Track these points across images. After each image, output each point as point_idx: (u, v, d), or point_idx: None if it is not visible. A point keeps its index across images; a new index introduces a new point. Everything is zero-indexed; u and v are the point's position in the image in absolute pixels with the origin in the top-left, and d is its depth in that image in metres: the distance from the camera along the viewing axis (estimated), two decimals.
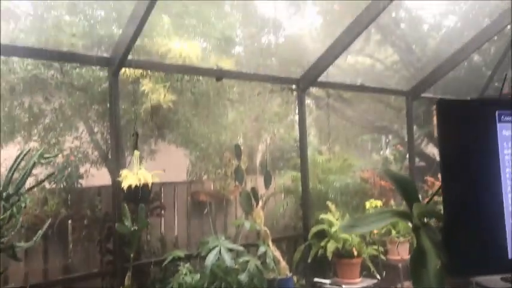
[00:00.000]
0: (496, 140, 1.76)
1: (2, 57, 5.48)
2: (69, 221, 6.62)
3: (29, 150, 4.28)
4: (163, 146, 7.97)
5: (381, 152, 13.37)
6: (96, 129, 7.18)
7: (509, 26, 8.40)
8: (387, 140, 13.03)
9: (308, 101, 11.40)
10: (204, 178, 8.43)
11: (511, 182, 1.75)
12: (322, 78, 7.48)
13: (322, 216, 7.15)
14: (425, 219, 1.92)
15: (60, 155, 6.44)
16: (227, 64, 6.78)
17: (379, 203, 7.34)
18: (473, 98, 2.25)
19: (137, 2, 5.02)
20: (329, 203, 7.38)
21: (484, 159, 1.75)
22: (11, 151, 6.39)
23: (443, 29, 11.53)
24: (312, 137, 12.52)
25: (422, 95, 8.79)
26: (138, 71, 6.22)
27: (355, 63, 13.43)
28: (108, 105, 5.58)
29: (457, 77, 10.43)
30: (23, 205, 3.97)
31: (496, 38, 9.04)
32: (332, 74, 9.27)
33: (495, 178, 1.73)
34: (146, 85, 6.29)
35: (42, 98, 6.76)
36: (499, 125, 1.77)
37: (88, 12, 6.33)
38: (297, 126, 7.90)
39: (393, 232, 7.22)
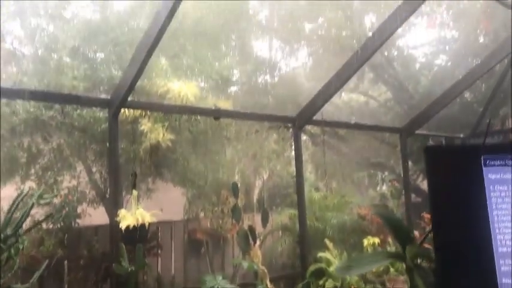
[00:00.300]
0: (482, 183, 1.85)
1: (5, 100, 5.60)
2: (66, 262, 6.56)
3: (28, 192, 4.31)
4: (161, 184, 8.01)
5: (378, 188, 13.41)
6: (94, 169, 7.23)
7: (498, 66, 8.64)
8: (383, 176, 13.09)
9: (304, 137, 11.56)
10: (201, 216, 8.43)
11: (499, 225, 1.82)
12: (317, 116, 7.63)
13: (320, 254, 7.12)
14: (418, 261, 1.97)
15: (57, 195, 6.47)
16: (225, 103, 6.94)
17: (376, 240, 7.33)
18: (459, 144, 2.36)
19: (138, 45, 5.21)
20: (327, 241, 7.36)
21: (472, 202, 1.82)
22: (8, 191, 6.42)
23: (434, 68, 11.85)
24: (309, 173, 12.58)
25: (416, 132, 8.94)
26: (138, 111, 6.35)
27: (350, 101, 13.70)
28: (108, 144, 5.66)
29: (450, 114, 10.63)
30: (20, 247, 3.98)
31: (485, 76, 9.29)
32: (327, 111, 9.44)
33: (484, 221, 1.80)
34: (145, 125, 6.41)
35: (41, 138, 6.85)
36: (484, 169, 1.86)
37: (89, 54, 6.52)
38: (293, 162, 7.99)
39: (391, 270, 7.18)
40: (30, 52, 6.53)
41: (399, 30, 7.45)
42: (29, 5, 6.82)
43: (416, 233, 7.10)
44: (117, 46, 6.37)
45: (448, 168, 1.81)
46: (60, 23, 6.45)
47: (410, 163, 10.14)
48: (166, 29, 4.84)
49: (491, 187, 1.87)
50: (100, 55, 6.70)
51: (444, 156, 1.85)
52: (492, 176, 1.87)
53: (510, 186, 1.83)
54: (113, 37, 6.39)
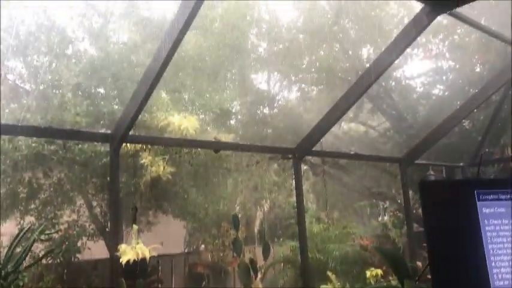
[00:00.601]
0: (477, 217, 1.87)
1: (8, 136, 5.67)
2: None
3: (29, 228, 4.31)
4: (162, 217, 7.99)
5: (379, 218, 13.32)
6: (94, 203, 7.24)
7: (494, 95, 8.75)
8: (385, 206, 13.03)
9: (305, 167, 11.58)
10: (201, 249, 8.37)
11: (495, 258, 1.83)
12: (317, 146, 7.68)
13: (323, 286, 7.04)
14: None
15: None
16: (225, 136, 7.00)
17: (379, 271, 7.25)
18: (453, 179, 2.39)
19: (140, 80, 5.30)
20: (329, 273, 7.28)
21: (467, 236, 1.85)
22: (9, 226, 6.41)
23: (432, 98, 11.99)
24: (310, 203, 12.54)
25: (416, 161, 8.96)
26: (138, 145, 6.41)
27: (349, 130, 13.80)
28: (108, 179, 5.69)
29: (449, 143, 10.69)
30: (20, 283, 3.95)
31: (483, 105, 9.39)
32: (327, 140, 9.51)
33: (479, 255, 1.82)
34: (146, 158, 6.46)
35: (42, 172, 6.89)
36: (479, 204, 1.89)
37: (91, 90, 6.63)
38: (295, 193, 7.98)
39: None
40: (33, 89, 6.65)
41: (396, 61, 7.60)
42: (32, 42, 6.99)
43: (419, 263, 7.03)
44: (118, 81, 6.50)
45: (443, 203, 1.84)
46: (63, 59, 6.60)
47: (411, 192, 10.12)
48: (168, 64, 4.93)
49: (485, 221, 1.89)
50: (101, 90, 6.83)
51: (438, 190, 1.89)
52: (486, 210, 1.90)
53: (504, 220, 1.85)
54: (114, 72, 6.53)
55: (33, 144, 6.10)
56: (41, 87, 6.54)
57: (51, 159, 6.32)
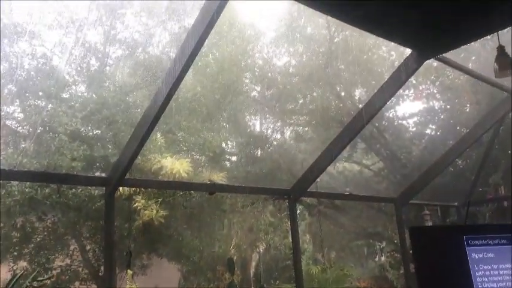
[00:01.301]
0: (467, 263, 1.90)
1: (2, 181, 5.68)
2: None
3: (21, 274, 4.25)
4: (156, 260, 7.87)
5: (376, 259, 13.16)
6: (88, 247, 7.15)
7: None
8: (381, 246, 12.91)
9: (301, 207, 11.53)
10: None
11: None
12: (312, 187, 7.69)
13: None
14: None
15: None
16: (219, 178, 7.02)
17: None
18: (441, 225, 2.43)
19: (137, 124, 5.35)
20: None
21: (458, 282, 1.87)
22: (1, 271, 6.29)
23: (425, 137, 12.16)
24: (307, 244, 12.41)
25: (411, 201, 8.97)
26: (132, 188, 6.41)
27: (344, 170, 13.84)
28: (102, 223, 5.65)
29: (443, 182, 10.75)
30: None
31: (475, 144, 9.51)
32: (322, 180, 9.53)
33: None
34: (139, 202, 6.44)
35: (36, 217, 6.84)
36: (468, 249, 1.92)
37: (87, 134, 6.70)
38: (291, 234, 7.91)
39: None
40: (30, 133, 6.72)
41: (388, 102, 7.77)
42: (30, 86, 7.12)
43: None
44: (113, 124, 6.58)
45: (433, 249, 1.87)
46: (60, 104, 6.71)
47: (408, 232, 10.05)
48: (166, 106, 5.00)
49: (475, 266, 1.92)
50: (97, 134, 6.89)
51: (428, 236, 1.92)
52: (476, 256, 1.93)
53: (494, 265, 1.88)
54: (110, 116, 6.62)
55: (27, 190, 6.10)
56: (38, 131, 6.60)
57: (44, 204, 6.30)
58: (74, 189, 6.42)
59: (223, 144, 8.34)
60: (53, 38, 7.74)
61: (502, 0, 4.11)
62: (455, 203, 9.80)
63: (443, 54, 5.71)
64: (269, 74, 10.41)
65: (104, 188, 5.54)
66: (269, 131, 10.41)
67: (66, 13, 7.62)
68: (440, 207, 10.39)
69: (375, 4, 4.22)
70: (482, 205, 10.22)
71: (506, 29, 4.72)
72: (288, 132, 11.08)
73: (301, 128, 11.51)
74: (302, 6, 6.15)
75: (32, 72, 7.27)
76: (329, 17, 8.24)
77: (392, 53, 11.74)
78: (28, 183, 6.08)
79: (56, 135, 6.44)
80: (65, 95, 7.24)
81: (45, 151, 6.34)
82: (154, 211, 6.41)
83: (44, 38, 7.54)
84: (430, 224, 9.63)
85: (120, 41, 8.14)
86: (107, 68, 7.87)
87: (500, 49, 4.36)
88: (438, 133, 11.94)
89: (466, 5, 4.32)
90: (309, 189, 7.60)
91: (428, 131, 12.37)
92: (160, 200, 6.66)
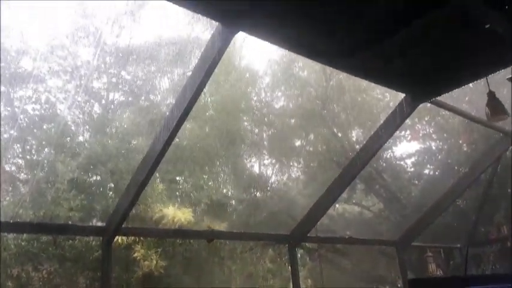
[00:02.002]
0: None
1: None
2: None
3: None
4: None
5: None
6: None
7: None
8: None
9: (301, 252, 11.34)
10: None
11: None
12: (312, 231, 7.60)
13: None
14: None
15: None
16: (219, 225, 6.96)
17: None
18: (442, 276, 2.40)
19: (135, 172, 5.34)
20: None
21: None
22: None
23: (423, 177, 12.15)
24: None
25: (413, 243, 8.86)
26: (131, 237, 6.33)
27: (344, 212, 13.72)
28: (100, 274, 5.53)
29: (445, 222, 10.65)
30: None
31: (474, 183, 9.50)
32: (322, 223, 9.42)
33: None
34: (138, 251, 6.34)
35: (32, 267, 6.71)
36: None
37: (86, 183, 6.69)
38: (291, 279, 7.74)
39: None
40: (29, 181, 6.71)
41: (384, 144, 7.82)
42: (33, 133, 7.18)
43: None
44: (114, 172, 6.59)
45: None
46: (60, 152, 6.73)
47: (411, 275, 9.86)
48: (164, 154, 4.99)
49: None
50: (97, 183, 6.88)
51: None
52: None
53: None
54: (111, 164, 6.63)
55: (23, 243, 6.02)
56: (37, 180, 6.59)
57: (40, 255, 6.20)
58: (70, 241, 6.33)
59: (224, 190, 8.31)
60: (57, 83, 7.90)
61: (491, 47, 4.24)
62: (458, 245, 9.66)
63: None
64: (267, 117, 10.54)
65: (101, 238, 5.46)
66: (268, 174, 10.42)
67: (71, 60, 7.80)
68: (443, 249, 10.24)
69: (367, 52, 4.34)
70: (486, 246, 10.08)
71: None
72: (286, 174, 11.08)
73: (299, 169, 11.52)
74: None
75: (36, 118, 7.35)
76: None
77: (386, 95, 11.95)
78: (25, 235, 6.00)
79: (54, 184, 6.43)
80: (67, 141, 7.28)
81: (42, 202, 6.31)
82: (154, 261, 6.29)
83: (49, 84, 7.69)
84: (433, 266, 9.47)
85: (123, 88, 8.30)
86: (110, 114, 7.98)
87: (491, 94, 4.46)
88: (436, 173, 11.95)
89: (456, 51, 4.46)
90: (309, 234, 7.51)
91: (426, 171, 12.39)
92: (160, 249, 6.55)
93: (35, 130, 7.28)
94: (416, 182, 12.18)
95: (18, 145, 7.24)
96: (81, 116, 7.94)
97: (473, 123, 9.44)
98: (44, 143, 7.13)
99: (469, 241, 9.36)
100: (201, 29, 8.54)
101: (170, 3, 3.52)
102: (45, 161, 6.94)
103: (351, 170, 6.92)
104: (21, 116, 7.26)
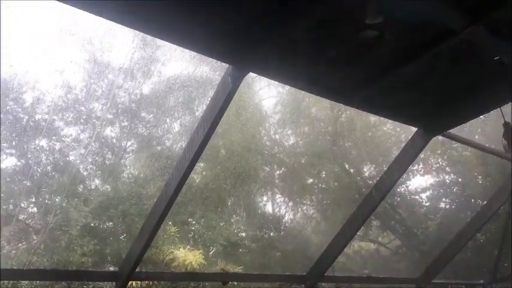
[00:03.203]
0: None
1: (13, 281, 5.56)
2: None
3: None
4: None
5: None
6: None
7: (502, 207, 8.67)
8: None
9: None
10: None
11: None
12: (329, 271, 7.39)
13: None
14: None
15: None
16: (233, 267, 6.82)
17: None
18: None
19: (148, 216, 5.30)
20: None
21: None
22: None
23: (440, 211, 11.92)
24: None
25: (433, 280, 8.54)
26: (145, 282, 6.21)
27: (360, 250, 13.43)
28: None
29: (465, 258, 10.35)
30: None
31: (493, 217, 9.26)
32: (338, 261, 9.17)
33: None
34: None
35: None
36: None
37: (99, 228, 6.66)
38: None
39: None
40: (42, 229, 6.70)
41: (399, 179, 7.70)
42: (45, 181, 7.22)
43: None
44: (126, 217, 6.56)
45: None
46: (73, 199, 6.75)
47: None
48: (176, 198, 4.96)
49: None
50: (109, 227, 6.85)
51: None
52: None
53: None
54: (123, 209, 6.61)
55: None
56: (50, 227, 6.58)
57: None
58: (85, 287, 6.23)
59: (236, 231, 8.21)
60: (70, 133, 8.03)
61: (501, 78, 4.23)
62: (481, 281, 9.30)
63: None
64: (278, 154, 10.53)
65: (115, 283, 5.36)
66: (281, 213, 10.30)
67: (84, 110, 7.96)
68: (465, 286, 9.86)
69: (377, 86, 4.35)
70: (509, 281, 9.69)
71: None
72: (299, 212, 10.94)
73: (312, 207, 11.38)
74: None
75: (48, 167, 7.42)
76: None
77: (397, 129, 11.93)
78: (38, 282, 5.93)
79: (68, 230, 6.41)
80: (79, 189, 7.32)
81: (55, 248, 6.26)
82: None
83: (62, 134, 7.81)
84: None
85: (136, 135, 8.40)
86: (122, 161, 8.05)
87: (507, 125, 4.40)
88: (453, 206, 11.72)
89: (466, 83, 4.45)
90: (325, 274, 7.30)
91: (442, 205, 12.16)
92: None
93: (47, 179, 7.34)
94: (433, 216, 11.94)
95: (32, 195, 7.29)
96: (94, 163, 8.01)
97: (487, 154, 9.34)
98: (56, 190, 7.17)
99: (492, 277, 9.01)
100: (211, 70, 8.72)
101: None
102: (58, 208, 6.94)
103: (366, 206, 6.78)
104: (35, 167, 7.35)
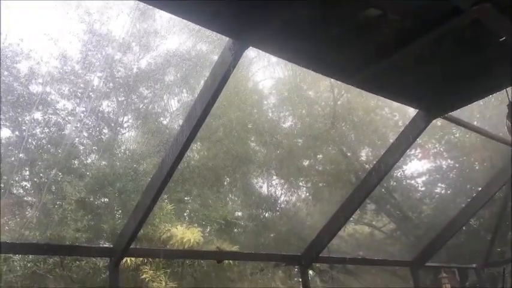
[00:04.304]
0: None
1: (3, 255, 5.51)
2: None
3: None
4: None
5: None
6: None
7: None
8: None
9: (311, 273, 11.09)
10: None
11: None
12: (324, 252, 7.42)
13: None
14: None
15: None
16: (228, 245, 6.81)
17: None
18: None
19: (143, 192, 5.25)
20: None
21: None
22: None
23: (435, 196, 11.96)
24: None
25: (427, 264, 8.61)
26: (140, 258, 6.20)
27: (355, 232, 13.50)
28: None
29: (458, 243, 10.41)
30: None
31: (488, 203, 9.30)
32: (332, 244, 9.21)
33: None
34: (147, 273, 6.20)
35: None
36: None
37: (94, 204, 6.61)
38: None
39: None
40: (35, 203, 6.64)
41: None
42: (40, 155, 7.14)
43: None
44: (122, 193, 6.50)
45: None
46: (68, 174, 6.68)
47: None
48: (172, 175, 4.90)
49: None
50: (105, 203, 6.80)
51: None
52: None
53: None
54: (119, 185, 6.55)
55: (29, 264, 5.90)
56: (44, 201, 6.52)
57: (47, 277, 6.07)
58: (78, 262, 6.21)
59: (233, 213, 8.19)
60: (67, 106, 7.91)
61: (506, 60, 4.16)
62: (474, 265, 9.38)
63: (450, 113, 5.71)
64: (275, 135, 10.46)
65: (109, 259, 5.33)
66: (277, 194, 10.28)
67: (81, 84, 7.83)
68: (458, 270, 9.95)
69: (378, 66, 4.27)
70: (502, 266, 9.78)
71: None
72: (295, 194, 10.94)
73: (308, 189, 11.38)
74: (305, 70, 6.26)
75: (43, 141, 7.33)
76: (332, 80, 8.40)
77: (395, 114, 11.87)
78: (31, 256, 5.90)
79: (62, 205, 6.35)
80: (75, 164, 7.23)
81: (49, 223, 6.22)
82: (163, 283, 6.13)
83: (58, 107, 7.70)
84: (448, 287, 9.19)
85: (133, 110, 8.30)
86: (119, 136, 7.96)
87: (511, 106, 4.34)
88: (448, 192, 11.76)
89: (470, 64, 4.37)
90: (320, 255, 7.32)
91: (438, 190, 12.20)
92: (169, 270, 6.41)
93: (42, 153, 7.25)
94: (428, 201, 11.99)
95: (26, 168, 7.21)
96: (90, 138, 7.92)
97: (485, 140, 9.31)
98: (52, 163, 7.08)
99: (484, 261, 9.09)
100: (210, 47, 8.59)
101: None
102: (53, 182, 6.87)
103: (363, 189, 6.76)
104: (30, 140, 7.26)
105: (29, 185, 6.99)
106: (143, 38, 8.43)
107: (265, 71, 11.31)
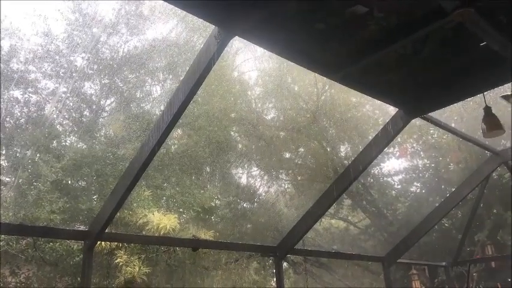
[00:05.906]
0: None
1: None
2: None
3: None
4: None
5: None
6: None
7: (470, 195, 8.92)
8: None
9: (286, 265, 11.23)
10: None
11: None
12: (299, 244, 7.52)
13: None
14: None
15: None
16: (205, 234, 6.83)
17: None
18: None
19: (121, 176, 5.23)
20: None
21: None
22: None
23: (410, 195, 12.20)
24: None
25: (398, 260, 8.81)
26: (114, 243, 6.17)
27: (330, 227, 13.68)
28: (80, 279, 5.36)
29: (430, 241, 10.67)
30: None
31: (460, 203, 9.54)
32: (307, 237, 9.35)
33: None
34: (121, 257, 6.17)
35: (9, 270, 6.48)
36: None
37: (70, 186, 6.52)
38: None
39: None
40: (10, 183, 6.51)
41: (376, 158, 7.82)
42: (18, 134, 6.99)
43: None
44: (100, 177, 6.44)
45: None
46: (46, 154, 6.56)
47: None
48: (151, 161, 4.90)
49: None
50: (81, 187, 6.72)
51: None
52: None
53: None
54: (97, 168, 6.48)
55: (1, 243, 5.81)
56: (19, 181, 6.40)
57: (19, 257, 5.99)
58: (51, 243, 6.13)
59: (210, 202, 8.19)
60: (48, 86, 7.73)
61: (487, 64, 4.26)
62: (443, 263, 9.64)
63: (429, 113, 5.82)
64: (257, 127, 10.48)
65: (83, 242, 5.30)
66: (256, 185, 10.32)
67: (65, 64, 7.66)
68: (428, 267, 10.22)
69: (361, 63, 4.32)
70: (470, 265, 10.08)
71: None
72: (274, 187, 11.00)
73: (287, 182, 11.46)
74: (291, 64, 6.27)
75: (22, 119, 7.18)
76: (317, 75, 8.43)
77: (376, 111, 12.01)
78: (2, 236, 5.80)
79: (37, 186, 6.25)
80: (54, 145, 7.10)
81: (23, 203, 6.11)
82: (137, 268, 6.12)
83: (40, 86, 7.53)
84: (417, 284, 9.43)
85: (116, 94, 8.18)
86: (100, 119, 7.84)
87: (487, 109, 4.45)
88: (423, 191, 12.00)
89: (451, 67, 4.46)
90: (295, 247, 7.41)
91: (413, 189, 12.44)
92: (143, 256, 6.39)
93: (18, 131, 7.09)
94: (403, 199, 12.22)
95: (2, 147, 7.05)
96: (71, 119, 7.78)
97: (461, 142, 9.53)
98: (29, 143, 6.95)
99: (454, 260, 9.35)
100: (196, 36, 8.52)
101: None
102: (29, 162, 6.75)
103: (341, 183, 6.86)
104: (8, 119, 7.09)
105: (4, 164, 6.85)
106: (131, 21, 8.30)
107: (251, 62, 11.29)
